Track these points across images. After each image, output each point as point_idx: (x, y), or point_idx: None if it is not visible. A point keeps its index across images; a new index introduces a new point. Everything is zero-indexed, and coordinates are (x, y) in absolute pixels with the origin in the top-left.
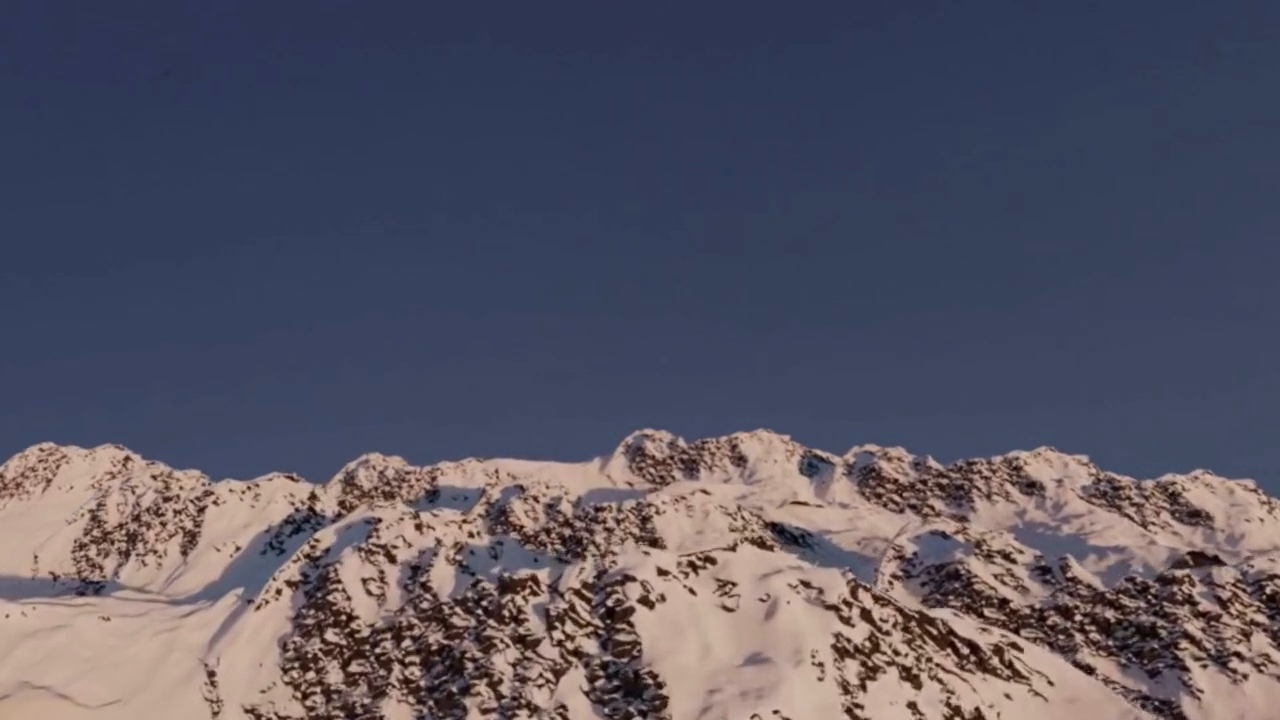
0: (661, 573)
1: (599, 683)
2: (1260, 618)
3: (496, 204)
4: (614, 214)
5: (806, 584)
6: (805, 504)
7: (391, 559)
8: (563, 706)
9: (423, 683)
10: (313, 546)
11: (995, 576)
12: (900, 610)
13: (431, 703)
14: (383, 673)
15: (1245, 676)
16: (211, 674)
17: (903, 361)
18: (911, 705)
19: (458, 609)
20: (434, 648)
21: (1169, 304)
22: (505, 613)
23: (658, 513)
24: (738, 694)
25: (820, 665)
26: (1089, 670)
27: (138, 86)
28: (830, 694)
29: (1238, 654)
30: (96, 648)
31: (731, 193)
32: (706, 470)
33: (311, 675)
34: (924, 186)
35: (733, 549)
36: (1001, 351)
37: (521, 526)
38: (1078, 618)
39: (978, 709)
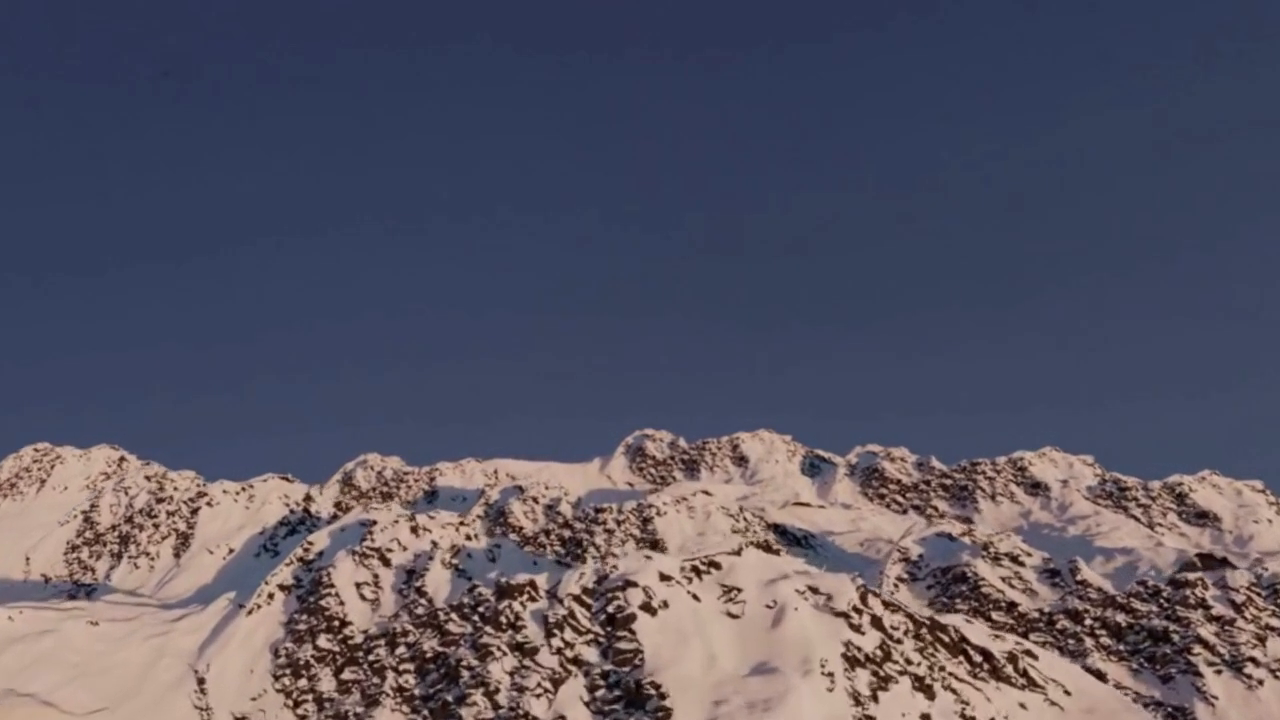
0: (664, 578)
1: (599, 693)
2: (1275, 622)
3: (496, 204)
4: (614, 214)
5: (815, 590)
6: (807, 505)
7: (386, 562)
8: (561, 717)
9: (417, 691)
10: (306, 549)
11: (1003, 579)
12: (911, 617)
13: (426, 712)
14: (376, 680)
15: (1261, 682)
16: (201, 681)
17: (903, 361)
18: (925, 717)
19: (453, 615)
20: (429, 655)
21: (1169, 304)
22: (502, 619)
23: (659, 514)
24: (744, 705)
25: (830, 675)
26: (1100, 676)
27: (138, 86)
28: (841, 705)
29: (1253, 659)
30: (84, 653)
31: (731, 193)
32: (707, 471)
33: (303, 682)
34: (924, 186)
35: (738, 553)
36: (1002, 351)
37: (520, 528)
38: (1088, 621)
39: None
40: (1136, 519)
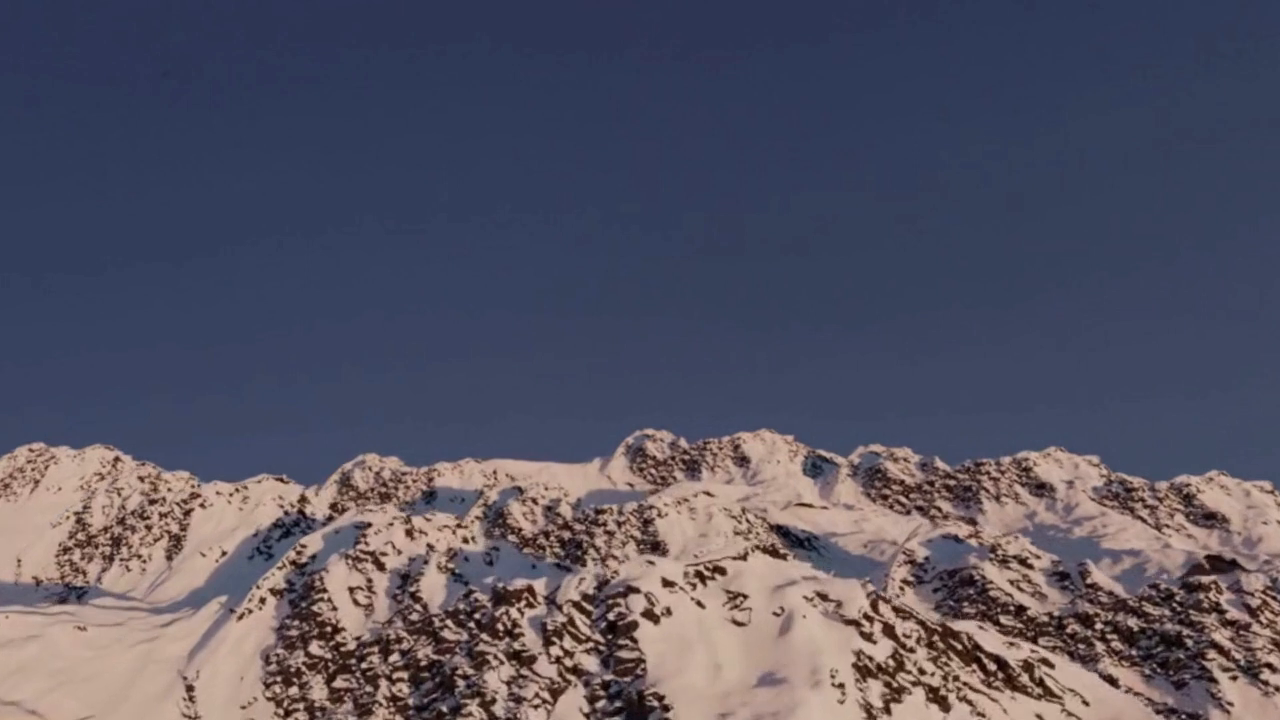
0: (667, 584)
1: (600, 704)
2: None
3: (496, 204)
4: (614, 214)
5: (823, 596)
6: (810, 505)
7: (380, 566)
8: None
9: (411, 700)
10: (298, 552)
11: (1011, 582)
12: (923, 624)
13: None
14: (369, 689)
15: (1277, 689)
16: (190, 688)
17: (904, 361)
18: None
19: (449, 621)
20: (423, 663)
21: (1169, 304)
22: (499, 626)
23: (660, 515)
24: (751, 718)
25: (841, 686)
26: (1112, 681)
27: (138, 86)
28: (852, 718)
29: (1269, 664)
30: (70, 659)
31: (731, 193)
32: (708, 471)
33: (295, 690)
34: (924, 186)
35: (743, 558)
36: (1002, 351)
37: (520, 529)
38: (1098, 626)
39: None
40: (1143, 520)
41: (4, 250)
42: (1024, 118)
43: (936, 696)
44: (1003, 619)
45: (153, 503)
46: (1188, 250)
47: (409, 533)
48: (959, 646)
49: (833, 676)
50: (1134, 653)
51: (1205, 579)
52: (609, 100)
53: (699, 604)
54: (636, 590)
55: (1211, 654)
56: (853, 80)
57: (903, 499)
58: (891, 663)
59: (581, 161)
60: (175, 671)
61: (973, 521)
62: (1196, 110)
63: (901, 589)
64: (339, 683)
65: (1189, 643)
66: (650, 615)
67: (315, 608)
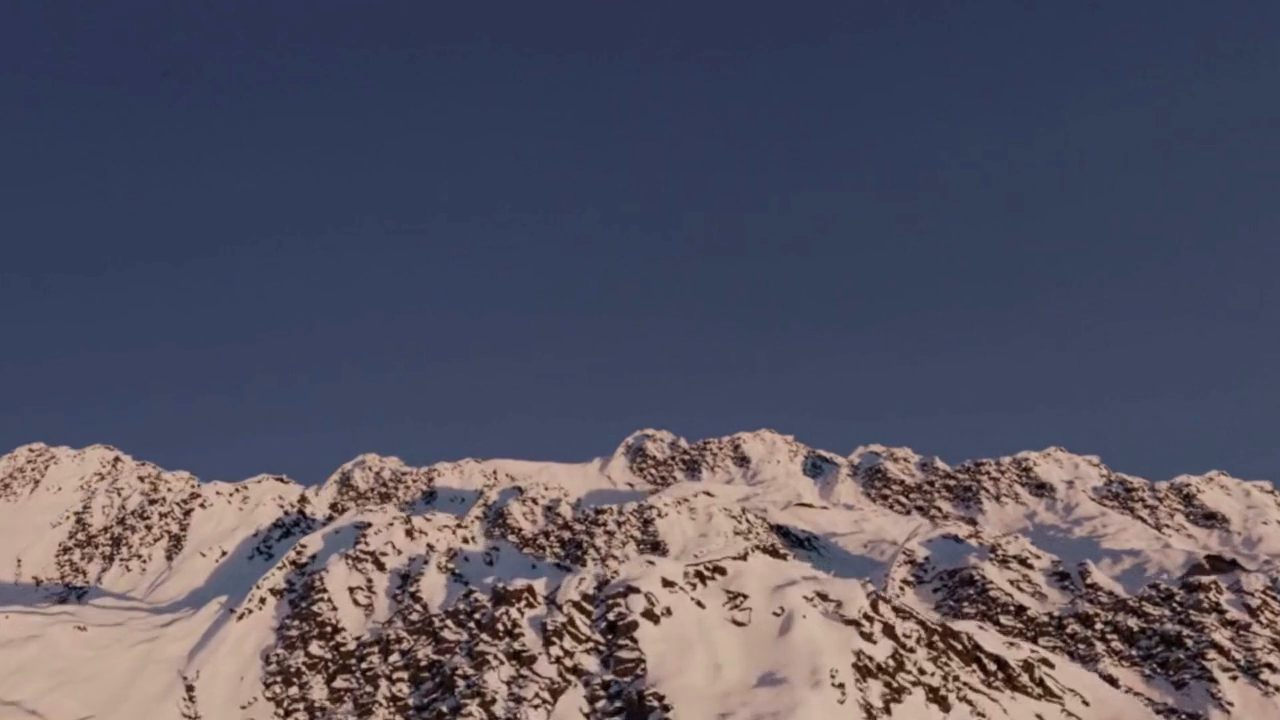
0: (667, 584)
1: (600, 704)
2: None
3: (496, 204)
4: (614, 214)
5: (824, 596)
6: (810, 506)
7: (380, 566)
8: None
9: (411, 700)
10: (298, 552)
11: (1011, 583)
12: (923, 624)
13: None
14: (369, 689)
15: (1277, 689)
16: (190, 688)
17: (903, 361)
18: None
19: (449, 621)
20: (423, 663)
21: (1169, 304)
22: (499, 626)
23: (660, 515)
24: (751, 718)
25: (841, 687)
26: (1112, 681)
27: (138, 86)
28: (852, 718)
29: (1269, 664)
30: (70, 659)
31: (731, 193)
32: (708, 471)
33: (295, 690)
34: (924, 186)
35: (743, 558)
36: (1002, 352)
37: (520, 529)
38: (1098, 626)
39: None
40: (1143, 520)
41: (4, 250)
42: (1024, 118)
43: (936, 697)
44: (1003, 619)
45: (153, 503)
46: (1188, 250)
47: (409, 533)
48: (959, 646)
49: (833, 676)
50: (1134, 653)
51: (1205, 579)
52: (609, 100)
53: (699, 604)
54: (636, 590)
55: (1211, 654)
56: (853, 80)
57: (903, 499)
58: (891, 663)
59: (581, 161)
60: (175, 671)
61: (973, 521)
62: (1196, 110)
63: (901, 589)
64: (339, 683)
65: (1189, 643)
66: (650, 615)
67: (315, 608)
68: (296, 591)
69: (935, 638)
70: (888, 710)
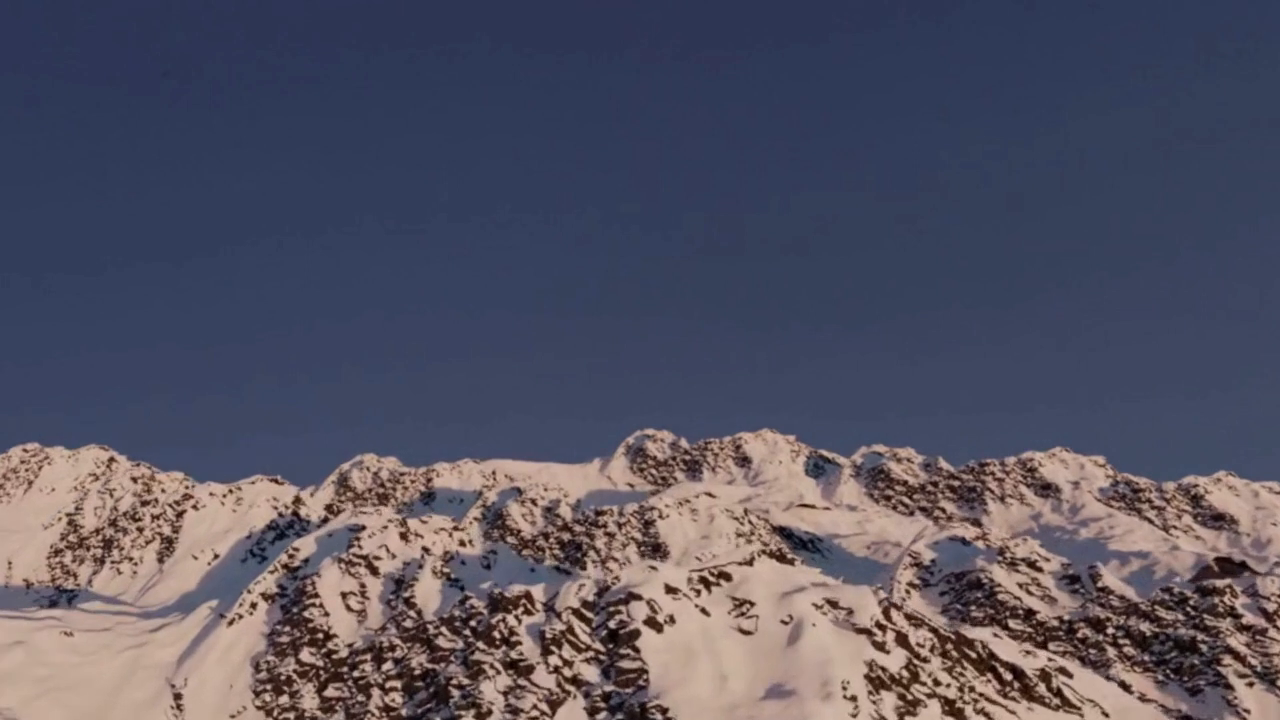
0: (670, 590)
1: (600, 716)
2: None
3: (496, 204)
4: (614, 214)
5: (833, 603)
6: (812, 506)
7: (374, 571)
8: None
9: (404, 711)
10: (291, 556)
11: (1020, 586)
12: (936, 632)
13: None
14: (361, 698)
15: None
16: (178, 696)
17: (904, 361)
18: None
19: (444, 628)
20: (417, 672)
21: (1169, 304)
22: (496, 634)
23: (661, 516)
24: None
25: (853, 699)
26: (1125, 687)
27: (138, 86)
28: None
29: None
30: (55, 666)
31: (731, 193)
32: (709, 471)
33: (285, 699)
34: (924, 186)
35: (749, 563)
36: (1003, 352)
37: (519, 530)
38: (1110, 630)
39: None
40: (1150, 521)
41: (4, 250)
42: (1024, 118)
43: (952, 709)
44: (1011, 623)
45: (145, 504)
46: (1188, 250)
47: (404, 536)
48: (973, 655)
49: (844, 688)
50: (1147, 658)
51: (1220, 582)
52: (609, 100)
53: (703, 611)
54: (638, 597)
55: (1227, 660)
56: (853, 80)
57: (906, 500)
58: (906, 674)
59: (581, 161)
60: (163, 679)
61: (977, 522)
62: (1196, 110)
63: (908, 592)
64: (330, 691)
65: (1203, 648)
66: (653, 623)
67: (307, 613)
68: (288, 596)
69: (949, 646)
70: None
